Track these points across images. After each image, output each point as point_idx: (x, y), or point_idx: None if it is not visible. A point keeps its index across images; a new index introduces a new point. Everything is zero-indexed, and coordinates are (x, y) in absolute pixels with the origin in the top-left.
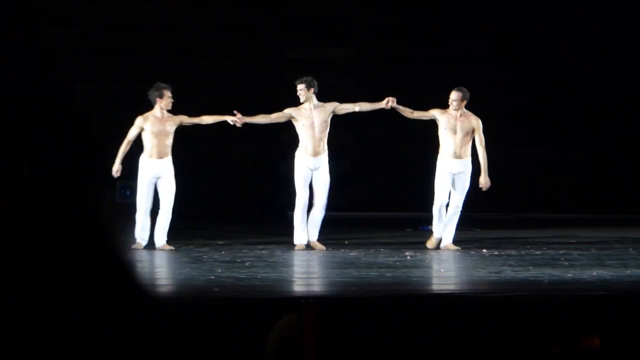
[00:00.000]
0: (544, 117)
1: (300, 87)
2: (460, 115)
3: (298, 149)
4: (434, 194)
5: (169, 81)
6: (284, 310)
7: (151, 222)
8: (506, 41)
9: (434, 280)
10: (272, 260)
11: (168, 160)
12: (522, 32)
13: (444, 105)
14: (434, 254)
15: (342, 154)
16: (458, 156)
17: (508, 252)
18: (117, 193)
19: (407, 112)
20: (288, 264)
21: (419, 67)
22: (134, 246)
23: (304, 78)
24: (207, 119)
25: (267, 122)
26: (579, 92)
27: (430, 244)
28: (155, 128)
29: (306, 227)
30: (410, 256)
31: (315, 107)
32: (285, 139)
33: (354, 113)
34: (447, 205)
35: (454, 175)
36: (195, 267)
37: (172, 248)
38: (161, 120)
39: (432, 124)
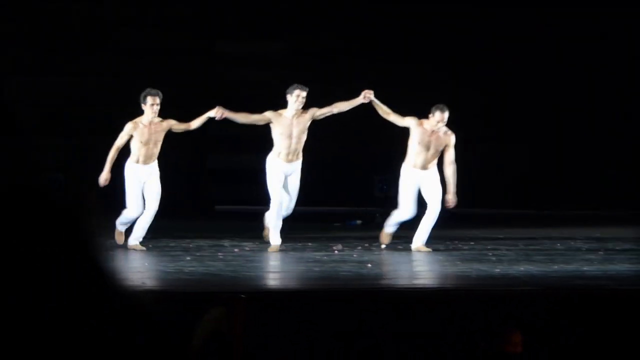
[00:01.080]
0: (481, 111)
1: (304, 96)
2: (437, 132)
3: (272, 152)
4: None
5: (93, 75)
6: (212, 304)
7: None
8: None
9: (362, 275)
10: (200, 254)
11: (154, 165)
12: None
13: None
14: (363, 249)
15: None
16: (424, 168)
17: (436, 247)
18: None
19: (383, 111)
20: (217, 259)
21: (353, 62)
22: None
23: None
24: (195, 123)
25: (246, 122)
26: (518, 86)
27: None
28: (143, 137)
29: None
30: (338, 251)
31: (295, 116)
32: (213, 133)
33: (333, 115)
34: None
35: (419, 184)
36: (123, 260)
37: (143, 248)
38: (149, 127)
39: (399, 130)
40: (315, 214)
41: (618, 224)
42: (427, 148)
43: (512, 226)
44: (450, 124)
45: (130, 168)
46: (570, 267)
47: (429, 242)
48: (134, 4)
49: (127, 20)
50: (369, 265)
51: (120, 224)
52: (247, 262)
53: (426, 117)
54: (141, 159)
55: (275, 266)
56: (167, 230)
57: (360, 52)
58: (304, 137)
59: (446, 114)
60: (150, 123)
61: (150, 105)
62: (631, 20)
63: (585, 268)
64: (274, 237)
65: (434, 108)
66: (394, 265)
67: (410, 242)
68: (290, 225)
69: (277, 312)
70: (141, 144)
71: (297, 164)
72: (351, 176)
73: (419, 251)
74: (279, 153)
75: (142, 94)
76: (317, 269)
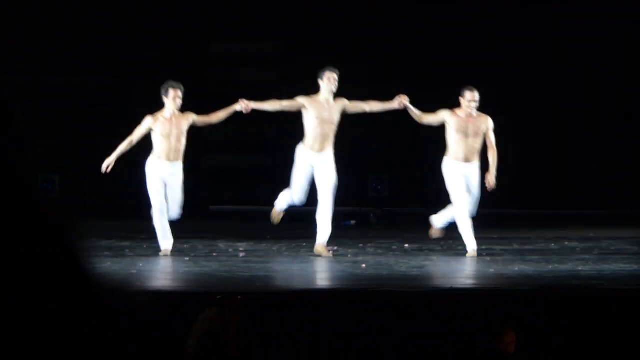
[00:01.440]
0: None
1: (336, 77)
2: (471, 116)
3: (302, 143)
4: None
5: (87, 75)
6: (207, 304)
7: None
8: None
9: (356, 276)
10: (194, 254)
11: (178, 165)
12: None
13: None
14: (357, 250)
15: (265, 149)
16: (467, 160)
17: (430, 246)
18: (38, 186)
19: (417, 116)
20: (211, 259)
21: (345, 62)
22: (161, 254)
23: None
24: (219, 115)
25: (276, 109)
26: (511, 86)
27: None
28: (165, 130)
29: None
30: (333, 251)
31: (329, 101)
32: (208, 133)
33: (364, 113)
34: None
35: (466, 177)
36: (117, 261)
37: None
38: (170, 120)
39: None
40: (309, 214)
41: (612, 223)
42: (466, 135)
43: (506, 226)
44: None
45: (152, 163)
46: (565, 267)
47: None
48: (128, 3)
49: (122, 20)
50: (364, 265)
51: (162, 243)
52: (242, 262)
53: (451, 107)
54: (163, 155)
55: (270, 267)
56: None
57: (356, 49)
58: (335, 126)
59: (477, 93)
60: (172, 116)
61: (173, 98)
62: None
63: (580, 268)
64: (281, 202)
65: (463, 89)
66: (388, 266)
67: (410, 242)
68: (285, 226)
69: (272, 313)
70: (162, 137)
71: (327, 155)
72: (345, 176)
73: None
74: (311, 142)
75: (164, 87)
76: (311, 269)
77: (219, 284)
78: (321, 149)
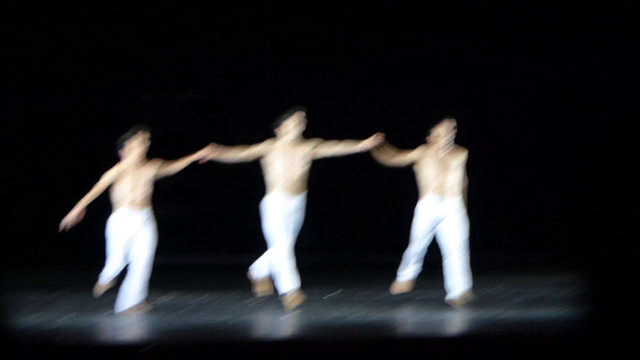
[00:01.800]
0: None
1: (303, 117)
2: (447, 149)
3: (272, 191)
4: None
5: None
6: (136, 356)
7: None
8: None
9: (282, 326)
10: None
11: (147, 212)
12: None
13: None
14: (274, 298)
15: (184, 198)
16: (447, 195)
17: (355, 297)
18: None
19: (389, 159)
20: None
21: (270, 106)
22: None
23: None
24: (179, 165)
25: (239, 159)
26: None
27: (398, 288)
28: (134, 176)
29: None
30: (257, 301)
31: (295, 143)
32: None
33: (334, 155)
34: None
35: (441, 219)
36: (39, 315)
37: (149, 307)
38: (137, 167)
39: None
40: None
41: (536, 270)
42: (444, 167)
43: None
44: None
45: (121, 216)
46: (491, 313)
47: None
48: (56, 53)
49: (49, 70)
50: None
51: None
52: (170, 312)
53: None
54: (136, 203)
55: (198, 317)
56: (87, 280)
57: (281, 94)
58: (306, 168)
59: (453, 124)
60: (139, 161)
61: (141, 142)
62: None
63: (504, 314)
64: (289, 281)
65: (440, 122)
66: (308, 315)
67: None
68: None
69: None
70: (131, 184)
71: (301, 199)
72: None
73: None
74: (283, 187)
75: (129, 133)
76: (233, 320)
77: (148, 334)
78: (296, 192)
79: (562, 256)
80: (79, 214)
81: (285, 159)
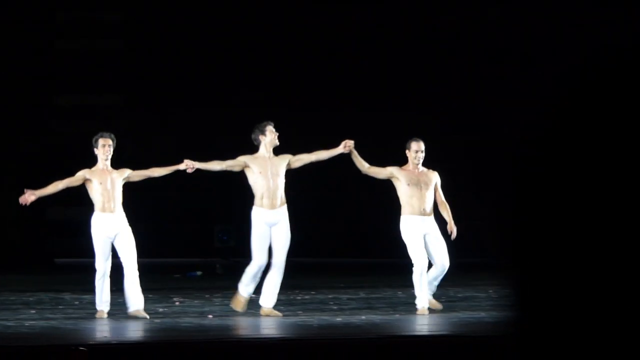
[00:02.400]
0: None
1: (274, 130)
2: (419, 169)
3: (255, 203)
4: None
5: None
6: (53, 357)
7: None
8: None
9: (204, 326)
10: (40, 307)
11: (123, 215)
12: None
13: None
14: (204, 300)
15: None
16: (425, 212)
17: (278, 297)
18: None
19: (362, 164)
20: (57, 312)
21: (187, 112)
22: (97, 315)
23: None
24: (159, 170)
25: (220, 169)
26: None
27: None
28: (103, 179)
29: (254, 287)
30: (180, 302)
31: (271, 155)
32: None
33: (310, 163)
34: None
35: (425, 233)
36: None
37: (147, 316)
38: (104, 172)
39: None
40: (155, 266)
41: (458, 271)
42: (419, 187)
43: (350, 275)
44: None
45: (98, 218)
46: (413, 315)
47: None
48: None
49: None
50: (210, 316)
51: (99, 302)
52: (87, 315)
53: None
54: (107, 207)
55: (116, 318)
56: (6, 284)
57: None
58: (283, 180)
59: (422, 144)
60: (106, 168)
61: (102, 147)
62: None
63: (429, 315)
64: (243, 285)
65: (409, 141)
66: (236, 316)
67: (255, 293)
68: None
69: None
70: (101, 186)
71: (282, 212)
72: (191, 226)
73: (432, 307)
74: (262, 200)
75: (94, 138)
76: (157, 320)
77: (65, 337)
78: (273, 205)
79: (491, 258)
80: (31, 196)
81: (265, 174)
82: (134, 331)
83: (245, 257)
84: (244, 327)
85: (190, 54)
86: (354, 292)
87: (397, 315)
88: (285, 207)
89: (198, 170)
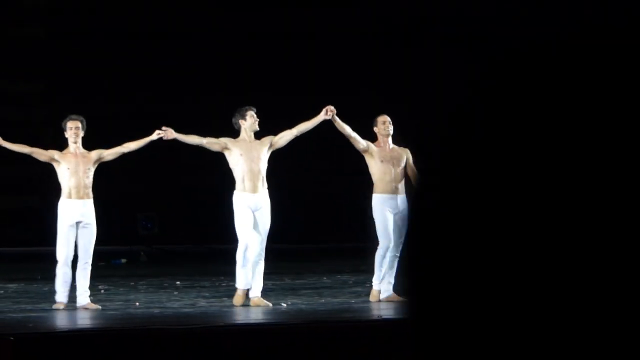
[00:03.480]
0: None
1: (255, 114)
2: (389, 144)
3: (236, 187)
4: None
5: None
6: None
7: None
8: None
9: (129, 315)
10: None
11: (90, 203)
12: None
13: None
14: (129, 288)
15: (31, 189)
16: (396, 191)
17: (202, 283)
18: None
19: (343, 127)
20: None
21: (113, 100)
22: (54, 306)
23: None
24: (131, 145)
25: (197, 144)
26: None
27: (373, 297)
28: (71, 164)
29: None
30: (104, 290)
31: (252, 138)
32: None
33: (296, 138)
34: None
35: (394, 213)
36: None
37: (98, 307)
38: (75, 155)
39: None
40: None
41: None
42: (392, 163)
43: (274, 260)
44: None
45: (64, 204)
46: (338, 300)
47: None
48: None
49: None
50: (137, 304)
51: (59, 291)
52: (13, 303)
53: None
54: (74, 193)
55: (42, 308)
56: None
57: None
58: (265, 164)
59: (387, 117)
60: (77, 151)
61: (70, 129)
62: None
63: (352, 301)
64: (240, 278)
65: (375, 119)
66: (160, 303)
67: (182, 280)
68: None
69: (45, 354)
70: (69, 171)
71: (262, 196)
72: (114, 214)
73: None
74: (243, 184)
75: (63, 121)
76: (83, 309)
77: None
78: (255, 188)
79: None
80: (4, 145)
81: (246, 157)
82: (60, 319)
83: (169, 244)
84: (169, 315)
85: (116, 41)
86: (278, 277)
87: (322, 300)
88: (266, 191)
89: (129, 154)
